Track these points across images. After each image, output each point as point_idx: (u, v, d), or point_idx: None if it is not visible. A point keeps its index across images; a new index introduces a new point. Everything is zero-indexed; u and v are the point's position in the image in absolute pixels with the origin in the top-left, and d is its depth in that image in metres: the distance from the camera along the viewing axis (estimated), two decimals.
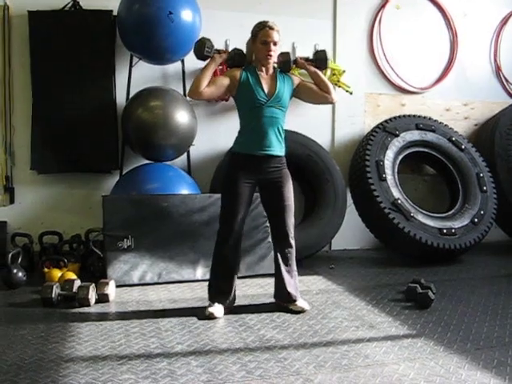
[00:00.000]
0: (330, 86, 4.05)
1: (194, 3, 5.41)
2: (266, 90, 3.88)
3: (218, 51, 3.95)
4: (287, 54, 4.04)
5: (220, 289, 3.97)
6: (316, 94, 4.04)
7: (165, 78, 5.93)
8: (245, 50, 4.02)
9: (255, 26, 3.93)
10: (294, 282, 4.05)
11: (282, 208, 3.96)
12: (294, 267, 4.08)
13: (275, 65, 4.02)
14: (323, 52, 4.09)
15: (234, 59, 3.98)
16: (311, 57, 4.12)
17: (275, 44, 3.86)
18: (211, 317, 3.79)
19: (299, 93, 4.04)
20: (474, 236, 5.80)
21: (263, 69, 3.93)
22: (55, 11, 5.55)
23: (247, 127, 3.93)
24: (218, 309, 3.87)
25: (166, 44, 5.29)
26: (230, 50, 4.06)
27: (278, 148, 3.92)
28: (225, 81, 3.89)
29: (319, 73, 4.04)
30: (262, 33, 3.86)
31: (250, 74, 3.90)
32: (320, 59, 4.07)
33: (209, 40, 3.93)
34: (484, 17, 7.12)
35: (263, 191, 4.04)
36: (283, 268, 4.02)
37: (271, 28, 3.85)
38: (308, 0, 6.34)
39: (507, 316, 3.93)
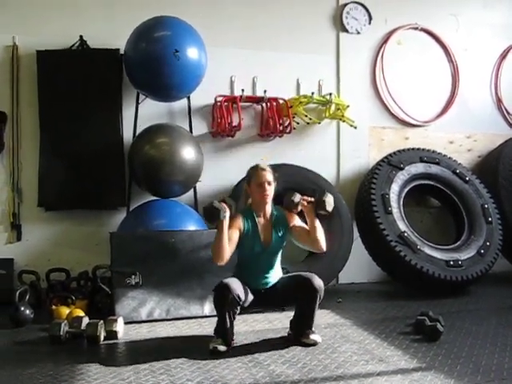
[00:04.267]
0: (322, 237, 4.04)
1: (200, 41, 5.49)
2: (262, 239, 4.04)
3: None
4: (292, 194, 4.04)
5: (221, 329, 3.93)
6: (308, 238, 4.06)
7: (171, 115, 5.99)
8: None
9: (248, 170, 4.12)
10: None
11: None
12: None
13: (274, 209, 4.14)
14: (324, 202, 3.95)
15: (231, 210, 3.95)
16: (317, 197, 4.02)
17: (270, 184, 4.02)
18: (215, 351, 3.78)
19: (292, 233, 4.12)
20: (480, 267, 5.79)
21: (261, 213, 4.09)
22: (63, 50, 5.65)
23: (244, 266, 4.13)
24: (221, 344, 3.85)
25: (172, 81, 5.36)
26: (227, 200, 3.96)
27: (274, 280, 4.15)
28: (237, 234, 3.97)
29: (317, 224, 4.01)
30: (255, 176, 4.04)
31: (250, 221, 4.05)
32: (322, 208, 3.96)
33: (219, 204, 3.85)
34: (484, 51, 7.22)
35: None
36: (307, 309, 4.02)
37: (263, 169, 4.05)
38: (311, 36, 6.44)
39: None
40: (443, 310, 4.94)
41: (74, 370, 3.47)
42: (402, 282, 6.00)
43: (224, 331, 3.86)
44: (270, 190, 4.03)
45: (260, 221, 4.07)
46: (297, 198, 4.02)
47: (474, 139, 7.17)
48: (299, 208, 4.06)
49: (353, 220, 6.06)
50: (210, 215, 3.84)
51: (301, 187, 5.55)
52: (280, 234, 4.09)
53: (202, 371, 3.43)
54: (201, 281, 4.91)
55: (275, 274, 4.16)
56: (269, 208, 4.10)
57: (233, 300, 3.75)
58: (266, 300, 4.15)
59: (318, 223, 4.01)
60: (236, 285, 3.84)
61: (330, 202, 3.97)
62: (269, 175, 4.02)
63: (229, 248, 3.85)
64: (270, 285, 4.12)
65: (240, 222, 4.01)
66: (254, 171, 4.06)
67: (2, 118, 5.59)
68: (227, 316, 3.82)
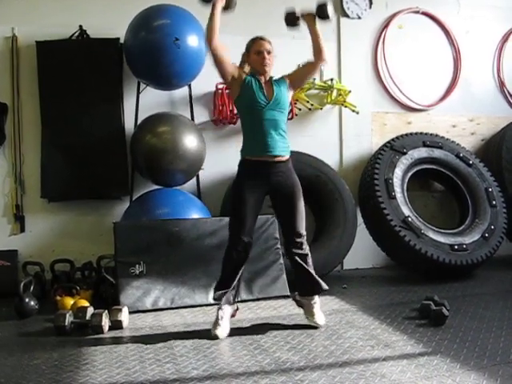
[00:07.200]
0: (324, 45, 4.07)
1: (200, 29, 5.44)
2: (265, 92, 3.99)
3: None
4: (292, 9, 4.13)
5: (225, 286, 4.02)
6: (304, 69, 4.17)
7: (172, 104, 5.97)
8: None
9: (248, 41, 4.10)
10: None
11: (293, 215, 4.03)
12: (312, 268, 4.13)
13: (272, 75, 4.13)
14: (325, 6, 4.02)
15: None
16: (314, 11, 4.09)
17: (269, 53, 4.01)
18: (215, 338, 3.82)
19: (293, 82, 4.14)
20: (485, 251, 5.78)
21: (262, 78, 4.05)
22: (63, 41, 5.63)
23: (249, 131, 4.05)
24: (223, 329, 3.90)
25: (172, 70, 5.34)
26: None
27: (281, 148, 4.00)
28: (233, 67, 4.01)
29: (319, 32, 4.06)
30: (254, 44, 4.03)
31: (254, 79, 4.02)
32: (322, 16, 4.04)
33: None
34: (486, 34, 7.17)
35: (274, 198, 4.13)
36: (302, 265, 4.06)
37: (262, 39, 4.04)
38: None
39: None
40: (448, 295, 4.95)
41: (79, 360, 3.48)
42: (406, 267, 5.99)
43: (228, 288, 4.01)
44: (270, 59, 4.02)
45: (261, 79, 4.04)
46: (296, 10, 4.10)
47: (477, 122, 7.13)
48: (299, 22, 4.11)
49: (356, 206, 6.04)
50: None
51: (303, 173, 5.57)
52: (281, 89, 4.03)
53: (207, 359, 3.43)
54: (205, 269, 4.90)
55: (281, 141, 4.01)
56: (268, 76, 4.07)
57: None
58: (272, 193, 4.09)
59: (319, 30, 4.04)
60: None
61: (330, 7, 4.03)
62: (268, 44, 4.02)
63: (224, 50, 3.92)
64: (276, 152, 3.96)
65: (243, 73, 4.02)
66: (253, 41, 4.06)
67: (2, 109, 5.59)
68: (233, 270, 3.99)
